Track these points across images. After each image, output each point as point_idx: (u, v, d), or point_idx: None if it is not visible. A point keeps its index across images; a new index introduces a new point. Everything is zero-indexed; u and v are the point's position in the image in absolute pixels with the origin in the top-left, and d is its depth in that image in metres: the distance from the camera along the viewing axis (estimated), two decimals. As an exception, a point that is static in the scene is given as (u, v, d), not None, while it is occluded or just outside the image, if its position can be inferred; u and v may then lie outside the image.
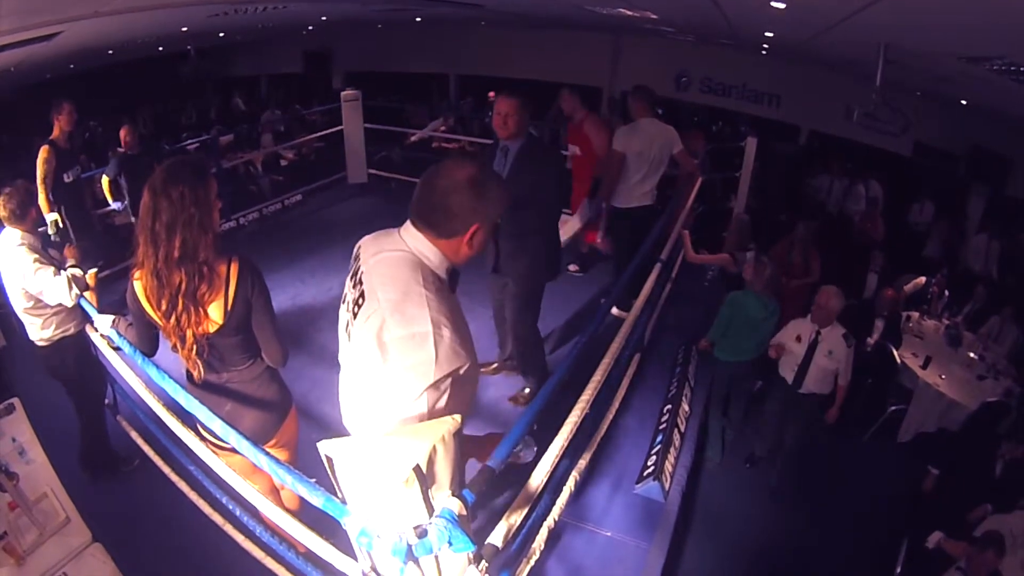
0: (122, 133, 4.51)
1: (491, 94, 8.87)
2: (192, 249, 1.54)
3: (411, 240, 1.28)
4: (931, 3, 2.48)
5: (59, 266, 2.33)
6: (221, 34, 8.49)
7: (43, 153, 3.89)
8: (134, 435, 2.65)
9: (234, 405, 1.76)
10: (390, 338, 1.16)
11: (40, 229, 2.70)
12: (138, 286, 1.61)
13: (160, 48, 9.10)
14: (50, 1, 3.45)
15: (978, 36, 2.76)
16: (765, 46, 7.00)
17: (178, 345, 1.63)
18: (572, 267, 4.72)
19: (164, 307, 1.57)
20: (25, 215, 2.31)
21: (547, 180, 2.63)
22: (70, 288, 2.26)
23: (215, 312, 1.60)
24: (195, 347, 1.62)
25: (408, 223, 1.30)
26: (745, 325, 3.48)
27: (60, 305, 2.34)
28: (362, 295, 1.25)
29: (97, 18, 4.28)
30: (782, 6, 3.37)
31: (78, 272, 2.33)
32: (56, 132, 3.99)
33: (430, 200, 1.25)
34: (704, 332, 3.67)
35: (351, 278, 1.33)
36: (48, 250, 2.44)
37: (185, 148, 6.91)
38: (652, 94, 3.86)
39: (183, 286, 1.55)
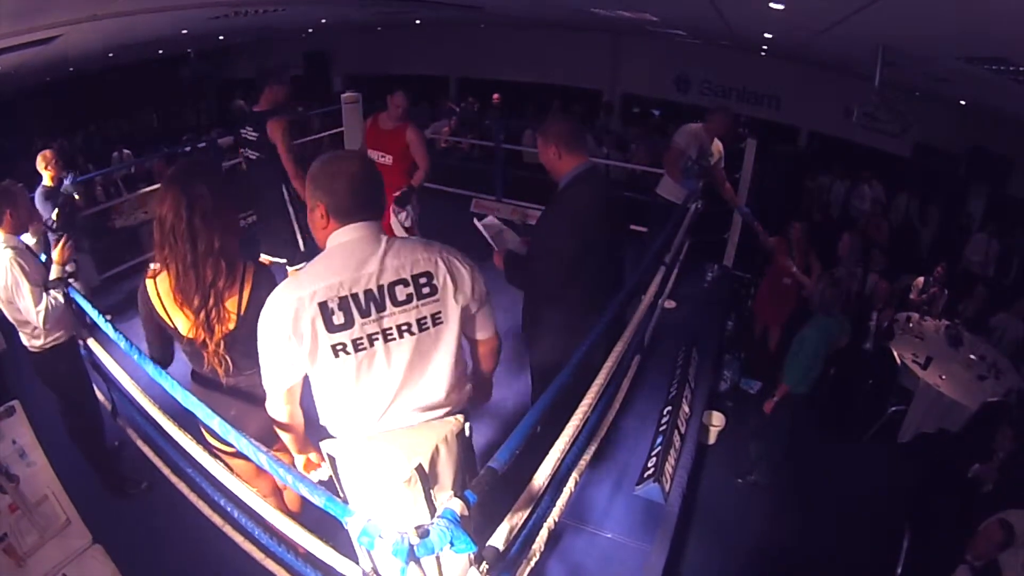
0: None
1: (495, 96, 8.86)
2: (225, 243, 1.56)
3: (377, 230, 1.37)
4: (930, 4, 2.49)
5: (44, 285, 2.24)
6: (221, 37, 8.51)
7: None
8: (132, 433, 2.64)
9: (241, 407, 1.75)
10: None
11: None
12: (150, 286, 1.59)
13: (160, 51, 9.13)
14: (49, 4, 3.46)
15: (978, 37, 2.76)
16: (764, 47, 7.02)
17: (207, 341, 1.61)
18: None
19: (196, 303, 1.56)
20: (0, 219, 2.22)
21: (555, 227, 1.97)
22: (45, 312, 2.19)
23: (229, 312, 1.61)
24: (223, 343, 1.62)
25: (363, 223, 1.35)
26: (826, 352, 3.36)
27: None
28: (420, 282, 1.35)
29: (96, 21, 4.30)
30: (780, 7, 3.38)
31: (58, 290, 2.24)
32: None
33: (373, 192, 1.37)
34: (706, 334, 3.64)
35: (367, 306, 1.31)
36: (38, 259, 2.35)
37: (184, 151, 6.88)
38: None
39: (217, 280, 1.56)
